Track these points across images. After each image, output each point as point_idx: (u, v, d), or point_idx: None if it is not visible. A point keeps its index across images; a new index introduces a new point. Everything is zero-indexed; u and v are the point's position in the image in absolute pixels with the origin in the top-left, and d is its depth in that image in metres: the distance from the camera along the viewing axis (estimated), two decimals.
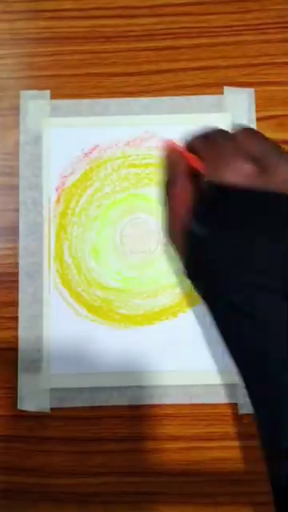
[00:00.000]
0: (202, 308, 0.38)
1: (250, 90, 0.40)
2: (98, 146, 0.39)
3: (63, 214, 0.39)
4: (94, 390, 0.37)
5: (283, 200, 0.27)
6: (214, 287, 0.29)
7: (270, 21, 0.41)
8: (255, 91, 0.40)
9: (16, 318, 0.37)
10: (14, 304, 0.38)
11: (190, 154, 0.31)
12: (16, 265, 0.38)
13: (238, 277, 0.27)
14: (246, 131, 0.30)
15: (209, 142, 0.31)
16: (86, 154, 0.39)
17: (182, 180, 0.31)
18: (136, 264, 0.38)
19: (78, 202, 0.39)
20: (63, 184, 0.39)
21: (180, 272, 0.31)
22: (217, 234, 0.28)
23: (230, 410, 0.37)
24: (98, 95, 0.40)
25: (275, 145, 0.29)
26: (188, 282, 0.37)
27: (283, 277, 0.26)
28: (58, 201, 0.39)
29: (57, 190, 0.39)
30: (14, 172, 0.39)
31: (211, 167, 0.29)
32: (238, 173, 0.28)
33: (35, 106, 0.40)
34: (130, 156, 0.39)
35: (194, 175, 0.31)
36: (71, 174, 0.39)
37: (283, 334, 0.26)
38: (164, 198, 0.33)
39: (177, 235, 0.31)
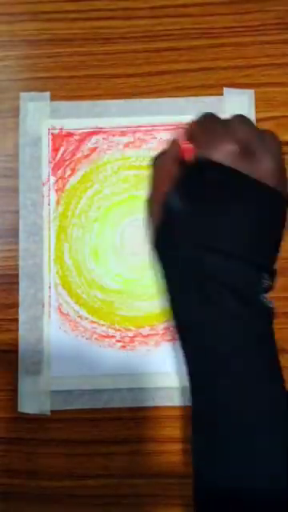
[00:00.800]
0: None
1: (250, 91, 0.40)
2: (97, 147, 0.39)
3: (63, 216, 0.38)
4: (94, 392, 0.37)
5: (257, 187, 0.29)
6: (176, 255, 0.30)
7: (269, 22, 0.41)
8: (255, 92, 0.40)
9: (16, 320, 0.37)
10: (14, 306, 0.38)
11: (186, 143, 0.32)
12: (16, 266, 0.38)
13: (200, 245, 0.29)
14: (238, 117, 0.32)
15: (202, 126, 0.32)
16: (85, 156, 0.39)
17: (168, 161, 0.33)
18: (136, 266, 0.38)
19: (77, 203, 0.39)
20: (63, 186, 0.39)
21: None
22: (190, 206, 0.30)
23: None
24: (98, 97, 0.40)
25: (262, 134, 0.31)
26: None
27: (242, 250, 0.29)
28: (57, 202, 0.39)
29: (57, 191, 0.39)
30: (13, 174, 0.39)
31: (202, 150, 0.31)
32: (224, 153, 0.29)
33: (35, 107, 0.40)
34: (129, 158, 0.39)
35: (184, 163, 0.32)
36: (71, 175, 0.39)
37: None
38: (150, 177, 0.35)
39: (154, 208, 0.33)
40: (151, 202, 0.34)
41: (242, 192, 0.29)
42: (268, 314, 0.29)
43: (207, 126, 0.32)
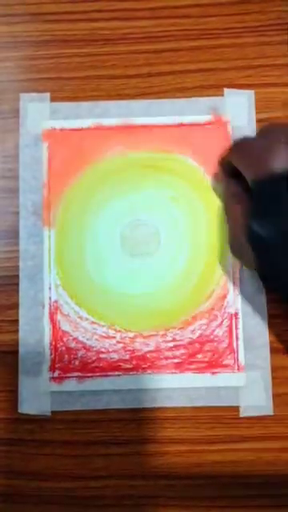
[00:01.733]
0: (202, 311, 0.37)
1: (250, 92, 0.40)
2: (97, 148, 0.39)
3: (63, 217, 0.38)
4: (94, 393, 0.37)
5: None
6: None
7: (269, 23, 0.41)
8: (255, 93, 0.40)
9: (16, 321, 0.37)
10: (15, 307, 0.38)
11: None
12: (16, 267, 0.38)
13: None
14: (263, 129, 0.33)
15: (240, 148, 0.33)
16: (85, 157, 0.39)
17: (231, 199, 0.33)
18: (136, 266, 0.38)
19: (78, 204, 0.39)
20: (63, 187, 0.39)
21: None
22: (276, 228, 0.29)
23: (231, 413, 0.37)
24: (98, 97, 0.40)
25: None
26: (188, 285, 0.38)
27: None
28: (57, 203, 0.39)
29: (57, 192, 0.39)
30: (13, 175, 0.39)
31: (252, 170, 0.30)
32: (281, 159, 0.29)
33: (35, 108, 0.40)
34: (129, 159, 0.39)
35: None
36: (71, 176, 0.39)
37: None
38: (225, 220, 0.36)
39: (242, 246, 0.32)
40: (233, 239, 0.34)
41: None
42: None
43: (245, 146, 0.32)
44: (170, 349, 0.37)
